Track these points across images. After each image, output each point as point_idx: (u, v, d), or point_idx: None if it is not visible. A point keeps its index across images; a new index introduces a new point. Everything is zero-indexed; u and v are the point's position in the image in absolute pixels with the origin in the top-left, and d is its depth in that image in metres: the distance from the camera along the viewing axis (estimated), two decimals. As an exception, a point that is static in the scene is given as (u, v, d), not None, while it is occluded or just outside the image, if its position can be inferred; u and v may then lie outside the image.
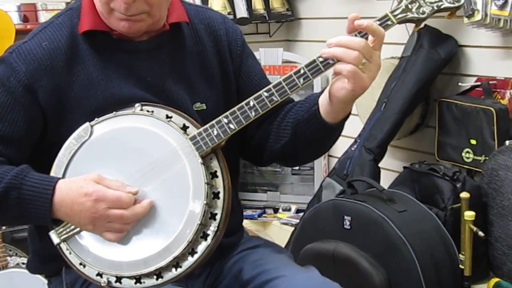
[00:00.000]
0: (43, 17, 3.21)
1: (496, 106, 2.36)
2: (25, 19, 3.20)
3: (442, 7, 1.38)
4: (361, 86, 1.32)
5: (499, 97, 2.45)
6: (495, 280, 2.20)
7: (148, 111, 1.40)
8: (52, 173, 1.39)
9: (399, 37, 2.75)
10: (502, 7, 2.30)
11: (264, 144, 1.54)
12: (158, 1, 1.40)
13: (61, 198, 1.33)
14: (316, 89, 3.15)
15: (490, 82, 2.45)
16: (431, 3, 1.38)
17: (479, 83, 2.51)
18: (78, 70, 1.42)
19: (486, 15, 2.33)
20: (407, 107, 2.61)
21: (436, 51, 2.59)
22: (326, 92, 1.40)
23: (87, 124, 1.39)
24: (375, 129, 2.65)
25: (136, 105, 1.40)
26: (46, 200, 1.33)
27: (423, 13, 1.37)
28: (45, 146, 1.43)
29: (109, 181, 1.34)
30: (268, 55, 3.25)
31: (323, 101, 1.41)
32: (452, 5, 1.38)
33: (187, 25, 1.53)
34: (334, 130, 1.44)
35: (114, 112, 1.40)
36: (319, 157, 1.64)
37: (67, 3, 3.24)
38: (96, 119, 1.39)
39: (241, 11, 3.35)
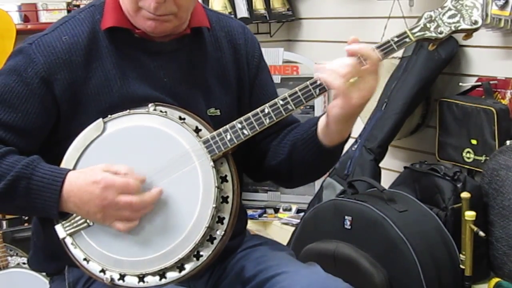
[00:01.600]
0: (44, 17, 3.22)
1: (497, 106, 2.36)
2: (25, 19, 3.20)
3: (459, 28, 1.39)
4: (350, 106, 1.33)
5: (500, 97, 2.45)
6: (495, 280, 2.20)
7: (161, 111, 1.40)
8: (63, 166, 1.39)
9: (399, 37, 2.75)
10: (502, 7, 2.30)
11: (261, 160, 1.55)
12: (187, 3, 1.41)
13: (70, 188, 1.33)
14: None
15: (491, 82, 2.45)
16: (449, 23, 1.39)
17: (479, 83, 2.51)
18: (96, 67, 1.42)
19: (487, 15, 2.33)
20: (408, 107, 2.61)
21: (437, 51, 2.59)
22: (325, 114, 1.41)
23: (100, 120, 1.39)
24: (376, 129, 2.65)
25: (150, 104, 1.40)
26: (55, 192, 1.33)
27: (441, 33, 1.39)
28: (55, 140, 1.44)
29: (118, 166, 1.33)
30: (268, 55, 3.25)
31: (321, 122, 1.42)
32: (469, 27, 1.39)
33: (207, 30, 1.53)
34: (329, 154, 1.45)
35: (128, 110, 1.40)
36: (314, 180, 1.67)
37: (68, 3, 3.25)
38: (109, 116, 1.39)
39: (242, 11, 3.35)
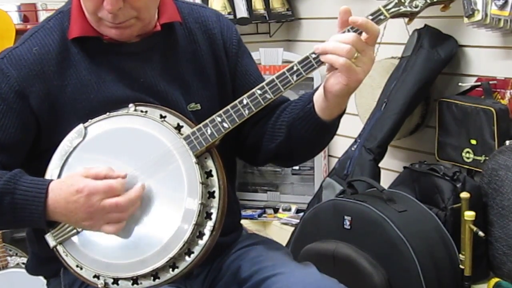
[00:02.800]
0: (43, 17, 3.21)
1: (496, 106, 2.36)
2: (25, 19, 3.20)
3: None
4: (355, 80, 1.31)
5: (499, 97, 2.45)
6: (495, 280, 2.20)
7: (141, 111, 1.40)
8: (48, 176, 1.39)
9: (399, 37, 2.75)
10: (502, 7, 2.30)
11: (259, 144, 1.54)
12: (145, 5, 1.38)
13: (55, 199, 1.32)
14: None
15: (490, 82, 2.45)
16: None
17: (479, 83, 2.51)
18: (70, 74, 1.42)
19: (486, 15, 2.33)
20: (407, 107, 2.61)
21: (436, 51, 2.59)
22: (320, 89, 1.39)
23: (80, 125, 1.39)
24: (375, 129, 2.65)
25: (130, 105, 1.40)
26: (39, 204, 1.32)
27: (416, 6, 1.36)
28: (39, 152, 1.43)
29: (96, 168, 1.32)
30: (268, 55, 3.25)
31: (317, 98, 1.40)
32: None
33: (180, 24, 1.51)
34: (330, 127, 1.43)
35: (108, 113, 1.39)
36: (315, 156, 1.64)
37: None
38: (89, 120, 1.39)
39: (241, 11, 3.35)
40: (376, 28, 1.32)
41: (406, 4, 1.36)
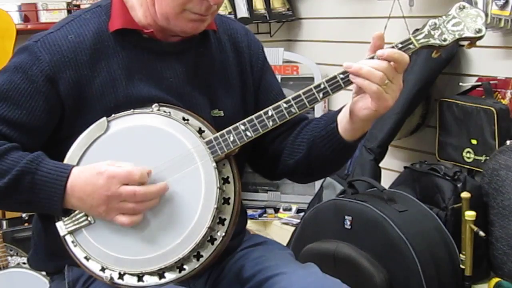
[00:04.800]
0: (44, 17, 3.22)
1: (497, 106, 2.36)
2: (25, 19, 3.20)
3: (463, 36, 1.38)
4: (385, 107, 1.34)
5: (500, 97, 2.45)
6: (495, 280, 2.20)
7: (165, 111, 1.40)
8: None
9: (400, 37, 2.74)
10: (503, 7, 2.30)
11: (277, 159, 1.55)
12: (222, 1, 1.43)
13: (74, 182, 1.33)
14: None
15: (491, 82, 2.45)
16: (453, 31, 1.38)
17: (479, 83, 2.51)
18: (101, 66, 1.43)
19: (486, 15, 2.33)
20: (408, 107, 2.61)
21: (437, 51, 2.59)
22: (345, 110, 1.41)
23: (104, 119, 1.39)
24: (376, 129, 2.65)
25: (154, 105, 1.41)
26: (60, 187, 1.33)
27: (445, 40, 1.38)
28: (59, 138, 1.44)
29: (122, 163, 1.34)
30: (269, 55, 3.20)
31: (342, 119, 1.42)
32: (473, 35, 1.38)
33: (213, 33, 1.54)
34: (351, 148, 1.45)
35: (132, 110, 1.40)
36: (331, 174, 1.67)
37: (68, 3, 3.25)
38: (113, 115, 1.40)
39: (242, 11, 3.35)
40: (405, 57, 1.34)
41: (436, 37, 1.38)
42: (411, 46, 1.38)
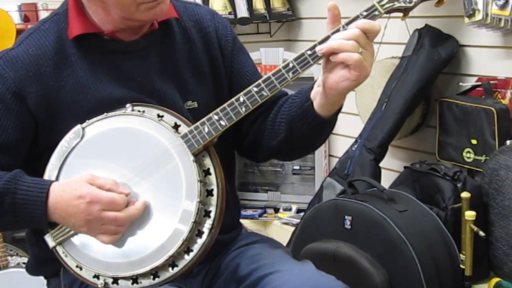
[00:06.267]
0: (44, 16, 3.20)
1: (497, 106, 2.36)
2: (25, 19, 3.20)
3: None
4: (365, 74, 1.32)
5: (500, 97, 2.45)
6: (495, 280, 2.20)
7: (139, 111, 1.40)
8: (46, 177, 1.39)
9: (400, 37, 2.75)
10: (503, 7, 2.30)
11: (259, 141, 1.54)
12: None
13: (56, 201, 1.33)
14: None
15: (491, 82, 2.45)
16: None
17: (479, 83, 2.51)
18: (67, 75, 1.42)
19: (487, 15, 2.33)
20: (408, 107, 2.61)
21: (437, 51, 2.59)
22: (317, 87, 1.39)
23: (78, 126, 1.39)
24: (376, 129, 2.65)
25: (127, 105, 1.41)
26: (40, 204, 1.32)
27: (410, 1, 1.36)
28: (38, 152, 1.43)
29: (102, 180, 1.33)
30: (269, 55, 3.25)
31: (315, 95, 1.40)
32: None
33: (176, 22, 1.52)
34: (329, 123, 1.44)
35: (105, 114, 1.40)
36: (316, 149, 1.66)
37: (68, 3, 3.24)
38: (87, 121, 1.40)
39: (242, 11, 3.35)
40: (375, 25, 1.32)
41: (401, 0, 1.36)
42: (376, 12, 1.35)
